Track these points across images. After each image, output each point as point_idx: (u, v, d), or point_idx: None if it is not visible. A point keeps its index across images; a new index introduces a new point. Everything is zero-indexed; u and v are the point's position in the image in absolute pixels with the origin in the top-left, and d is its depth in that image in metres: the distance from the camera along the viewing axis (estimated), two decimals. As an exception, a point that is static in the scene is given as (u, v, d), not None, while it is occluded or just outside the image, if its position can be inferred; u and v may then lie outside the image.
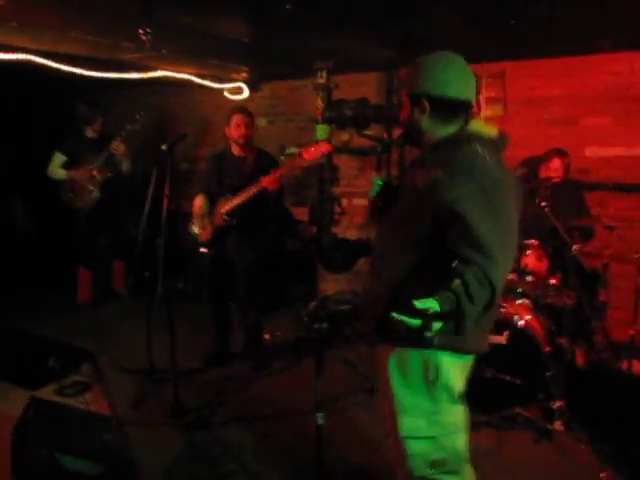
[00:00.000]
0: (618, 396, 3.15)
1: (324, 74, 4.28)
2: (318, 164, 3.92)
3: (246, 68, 4.95)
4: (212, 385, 3.59)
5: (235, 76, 5.28)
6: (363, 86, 4.98)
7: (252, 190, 3.39)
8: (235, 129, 3.62)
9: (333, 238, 4.82)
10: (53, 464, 2.33)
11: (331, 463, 2.38)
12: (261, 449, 2.88)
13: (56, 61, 3.88)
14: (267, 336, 4.43)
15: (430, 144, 1.76)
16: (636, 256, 3.23)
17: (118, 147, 4.69)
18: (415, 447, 1.78)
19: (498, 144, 1.73)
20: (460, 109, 1.73)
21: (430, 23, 3.27)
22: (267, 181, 3.34)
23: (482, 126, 1.76)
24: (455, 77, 1.71)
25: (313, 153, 3.23)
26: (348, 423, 3.09)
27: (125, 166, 4.88)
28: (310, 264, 5.17)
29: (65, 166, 4.78)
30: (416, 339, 1.43)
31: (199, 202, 3.65)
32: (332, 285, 5.30)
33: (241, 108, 3.77)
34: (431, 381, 1.73)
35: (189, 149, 5.90)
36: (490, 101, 4.41)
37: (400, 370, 1.78)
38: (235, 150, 3.72)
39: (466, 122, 1.74)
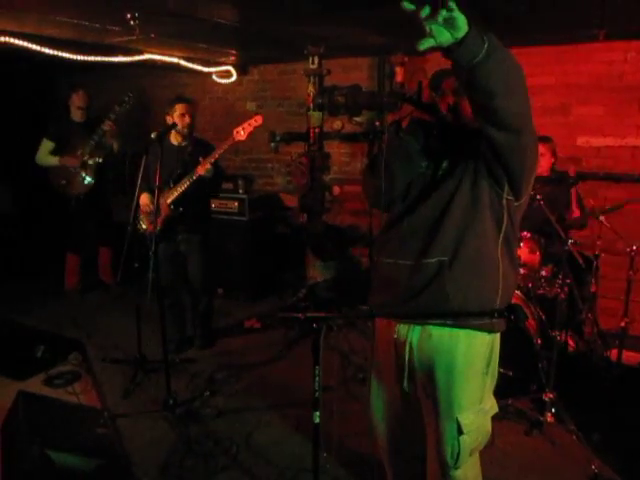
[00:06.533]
0: (607, 386, 3.19)
1: (316, 60, 4.16)
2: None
3: (234, 52, 4.84)
4: (203, 375, 3.57)
5: (223, 59, 5.18)
6: (355, 71, 4.91)
7: (189, 180, 3.51)
8: (179, 118, 3.57)
9: (324, 226, 4.79)
10: (45, 461, 2.30)
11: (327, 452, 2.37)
12: (253, 442, 2.88)
13: (38, 44, 3.74)
14: (251, 323, 4.43)
15: None
16: (628, 249, 3.23)
17: (109, 128, 4.59)
18: (466, 441, 1.73)
19: None
20: None
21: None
22: (201, 169, 3.48)
23: None
24: None
25: (245, 131, 3.45)
26: (342, 414, 3.09)
27: (116, 147, 4.80)
28: (299, 251, 5.13)
29: (54, 152, 4.68)
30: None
31: (146, 200, 3.60)
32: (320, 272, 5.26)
33: (184, 97, 3.73)
34: (488, 366, 1.71)
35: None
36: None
37: (465, 360, 1.71)
38: (175, 139, 3.67)
39: None
